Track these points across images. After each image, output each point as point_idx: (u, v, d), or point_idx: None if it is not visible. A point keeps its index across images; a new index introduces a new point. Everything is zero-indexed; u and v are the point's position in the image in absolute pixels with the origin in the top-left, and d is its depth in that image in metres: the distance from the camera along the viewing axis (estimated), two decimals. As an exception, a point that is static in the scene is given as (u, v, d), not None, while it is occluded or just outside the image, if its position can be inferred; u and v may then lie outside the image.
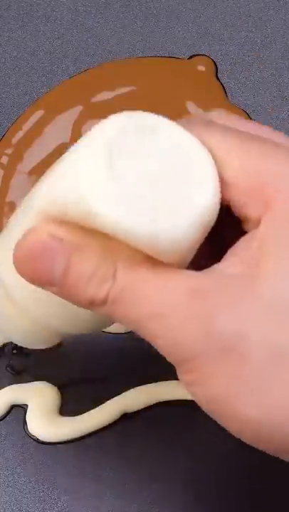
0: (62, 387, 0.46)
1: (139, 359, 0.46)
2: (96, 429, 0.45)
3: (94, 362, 0.46)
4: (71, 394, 0.46)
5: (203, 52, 0.53)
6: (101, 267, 0.29)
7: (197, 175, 0.29)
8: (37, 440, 0.45)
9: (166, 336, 0.29)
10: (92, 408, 0.45)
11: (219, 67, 0.53)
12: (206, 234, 0.30)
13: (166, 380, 0.45)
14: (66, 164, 0.30)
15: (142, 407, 0.45)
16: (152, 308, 0.29)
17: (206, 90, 0.52)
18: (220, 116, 0.32)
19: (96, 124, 0.30)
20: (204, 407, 0.30)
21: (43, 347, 0.41)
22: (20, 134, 0.51)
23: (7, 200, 0.50)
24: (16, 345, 0.47)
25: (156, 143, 0.30)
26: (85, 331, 0.35)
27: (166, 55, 0.53)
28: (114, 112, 0.52)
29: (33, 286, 0.31)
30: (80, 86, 0.52)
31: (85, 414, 0.45)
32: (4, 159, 0.50)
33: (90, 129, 0.30)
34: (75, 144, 0.30)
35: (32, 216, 0.31)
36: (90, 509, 0.44)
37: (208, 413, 0.30)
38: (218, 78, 0.53)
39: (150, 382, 0.45)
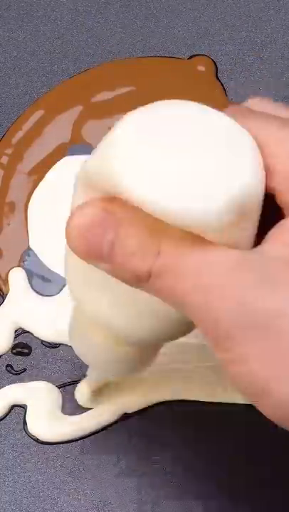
0: (62, 387, 0.46)
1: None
2: (96, 429, 0.45)
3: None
4: (71, 394, 0.46)
5: (203, 52, 0.53)
6: (146, 241, 0.29)
7: (238, 158, 0.29)
8: (37, 440, 0.45)
9: (203, 311, 0.29)
10: (93, 408, 0.45)
11: (219, 67, 0.53)
12: (254, 215, 0.29)
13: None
14: (103, 144, 0.30)
15: (142, 407, 0.45)
16: (190, 283, 0.29)
17: (206, 90, 0.52)
18: (258, 103, 0.32)
19: (132, 111, 0.30)
20: (238, 387, 0.29)
21: (124, 374, 0.40)
22: (20, 134, 0.51)
23: (7, 200, 0.50)
24: (16, 344, 0.47)
25: (197, 127, 0.30)
26: (155, 338, 0.34)
27: (166, 55, 0.53)
28: (114, 112, 0.52)
29: (99, 281, 0.32)
30: (80, 86, 0.52)
31: (85, 414, 0.45)
32: (4, 159, 0.50)
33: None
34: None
35: (82, 197, 0.31)
36: (90, 509, 0.44)
37: (241, 393, 0.29)
38: (218, 78, 0.53)
39: (150, 383, 0.45)
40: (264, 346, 0.28)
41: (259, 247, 0.29)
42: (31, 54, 0.53)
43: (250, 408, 0.45)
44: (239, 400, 0.45)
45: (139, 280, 0.30)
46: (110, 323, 0.34)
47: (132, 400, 0.45)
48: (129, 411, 0.45)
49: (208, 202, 0.28)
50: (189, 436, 0.45)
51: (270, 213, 0.30)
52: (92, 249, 0.30)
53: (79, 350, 0.39)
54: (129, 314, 0.33)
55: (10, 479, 0.44)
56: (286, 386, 0.28)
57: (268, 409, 0.29)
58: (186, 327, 0.33)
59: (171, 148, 0.29)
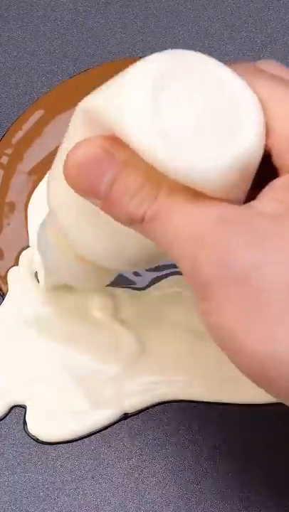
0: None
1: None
2: (96, 429, 0.45)
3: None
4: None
5: (203, 53, 0.53)
6: (145, 187, 0.30)
7: (242, 117, 0.30)
8: (37, 440, 0.45)
9: (188, 259, 0.29)
10: (93, 408, 0.45)
11: (219, 67, 0.53)
12: (252, 173, 0.30)
13: (167, 380, 0.45)
14: (112, 82, 0.31)
15: (142, 407, 0.45)
16: (180, 230, 0.30)
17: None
18: (268, 64, 0.33)
19: (144, 58, 0.30)
20: (214, 338, 0.30)
21: (90, 287, 0.42)
22: (20, 134, 0.51)
23: (7, 200, 0.50)
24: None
25: (203, 82, 0.30)
26: (126, 265, 0.36)
27: (166, 55, 0.53)
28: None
29: (79, 206, 0.32)
30: (80, 86, 0.52)
31: (85, 414, 0.45)
32: (4, 159, 0.50)
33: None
34: (123, 71, 0.31)
35: (83, 132, 0.32)
36: (90, 509, 0.44)
37: (217, 344, 0.30)
38: (218, 78, 0.53)
39: (150, 382, 0.45)
40: (240, 299, 0.29)
41: (249, 203, 0.30)
42: (31, 54, 0.53)
43: (251, 408, 0.45)
44: (240, 400, 0.45)
45: (132, 222, 0.31)
46: (83, 246, 0.35)
47: (132, 400, 0.45)
48: (129, 411, 0.45)
49: (212, 161, 0.29)
50: (190, 437, 0.45)
51: (264, 173, 0.31)
52: (87, 187, 0.31)
53: (41, 249, 0.41)
54: (108, 243, 0.34)
55: (10, 479, 0.44)
56: (256, 341, 0.28)
57: (242, 365, 0.29)
58: (158, 261, 0.35)
59: (178, 101, 0.29)
